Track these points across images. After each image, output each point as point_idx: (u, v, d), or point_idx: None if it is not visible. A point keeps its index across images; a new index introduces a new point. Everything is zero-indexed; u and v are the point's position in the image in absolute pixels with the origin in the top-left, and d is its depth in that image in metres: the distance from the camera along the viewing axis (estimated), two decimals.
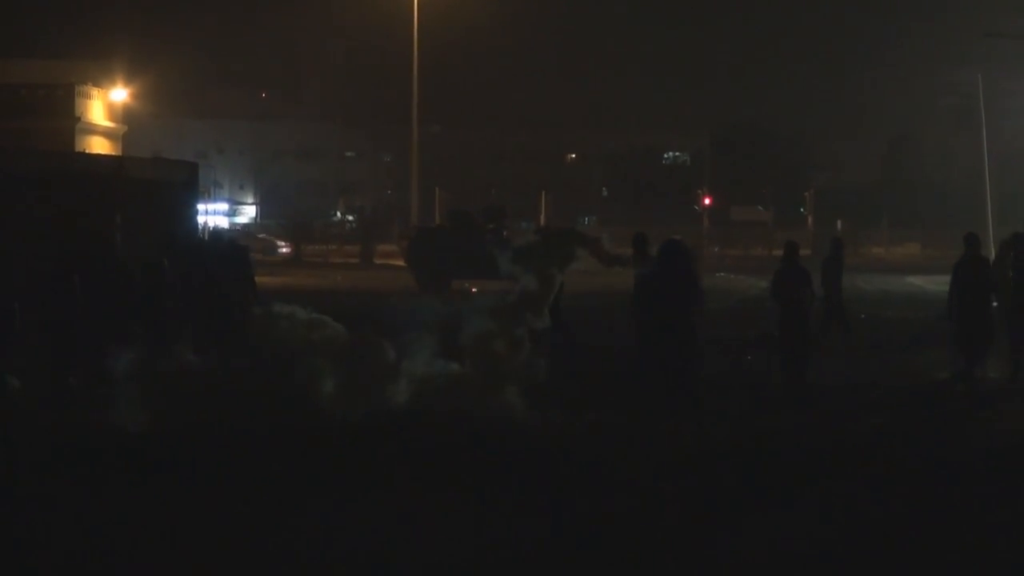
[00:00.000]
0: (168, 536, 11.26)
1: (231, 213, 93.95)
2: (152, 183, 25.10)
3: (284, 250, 69.03)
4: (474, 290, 33.87)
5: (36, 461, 14.23)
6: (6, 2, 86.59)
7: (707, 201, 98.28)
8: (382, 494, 12.82)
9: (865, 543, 11.35)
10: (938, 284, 44.25)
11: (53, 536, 11.28)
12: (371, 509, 12.20)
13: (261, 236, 70.60)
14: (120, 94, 69.10)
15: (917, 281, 48.99)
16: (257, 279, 22.55)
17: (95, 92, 65.51)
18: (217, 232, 36.87)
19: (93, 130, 64.44)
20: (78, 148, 56.70)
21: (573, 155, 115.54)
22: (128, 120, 70.73)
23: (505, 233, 46.25)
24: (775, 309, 19.28)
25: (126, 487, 13.00)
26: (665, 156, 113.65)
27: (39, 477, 13.57)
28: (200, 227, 34.08)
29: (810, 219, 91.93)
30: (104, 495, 12.68)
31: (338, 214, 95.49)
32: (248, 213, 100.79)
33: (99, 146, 62.45)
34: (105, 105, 67.03)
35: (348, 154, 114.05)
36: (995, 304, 19.89)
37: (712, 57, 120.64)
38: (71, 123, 61.40)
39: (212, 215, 79.97)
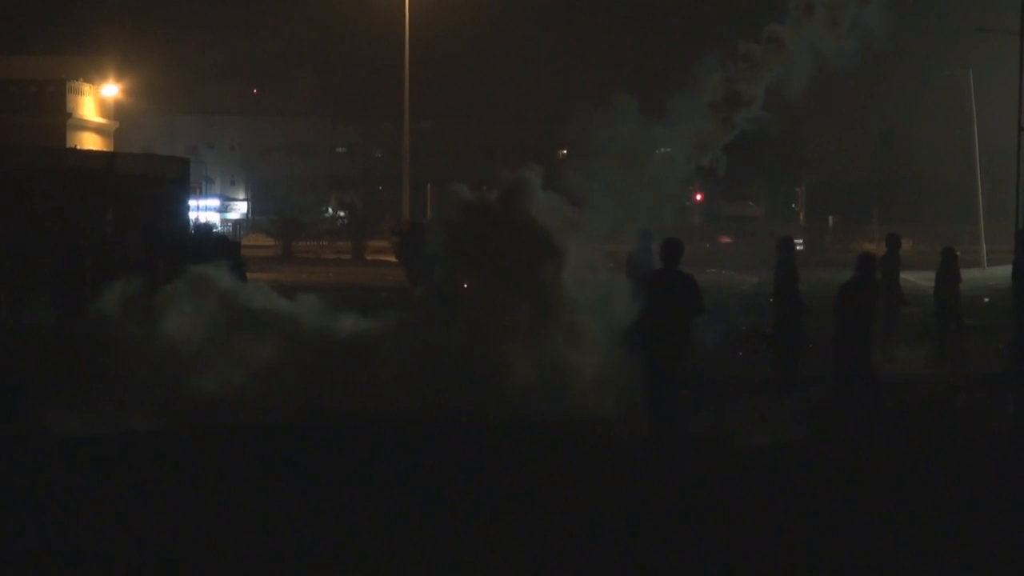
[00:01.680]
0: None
1: (222, 209, 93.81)
2: (143, 179, 25.06)
3: None
4: (465, 286, 33.75)
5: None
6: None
7: (698, 197, 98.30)
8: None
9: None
10: (929, 280, 44.15)
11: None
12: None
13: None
14: (111, 90, 68.89)
15: (908, 276, 48.79)
16: (248, 275, 22.48)
17: (86, 88, 65.30)
18: (201, 226, 36.76)
19: (85, 126, 64.25)
20: (69, 144, 56.54)
21: (564, 151, 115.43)
22: (119, 116, 70.55)
23: None
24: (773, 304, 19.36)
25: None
26: (657, 152, 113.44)
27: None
28: (191, 223, 33.97)
29: (801, 215, 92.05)
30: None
31: (330, 210, 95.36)
32: (240, 209, 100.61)
33: (91, 142, 62.28)
34: (96, 101, 66.84)
35: (339, 150, 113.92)
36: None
37: (701, 51, 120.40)
38: (62, 119, 61.18)
39: (204, 211, 79.94)
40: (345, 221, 78.25)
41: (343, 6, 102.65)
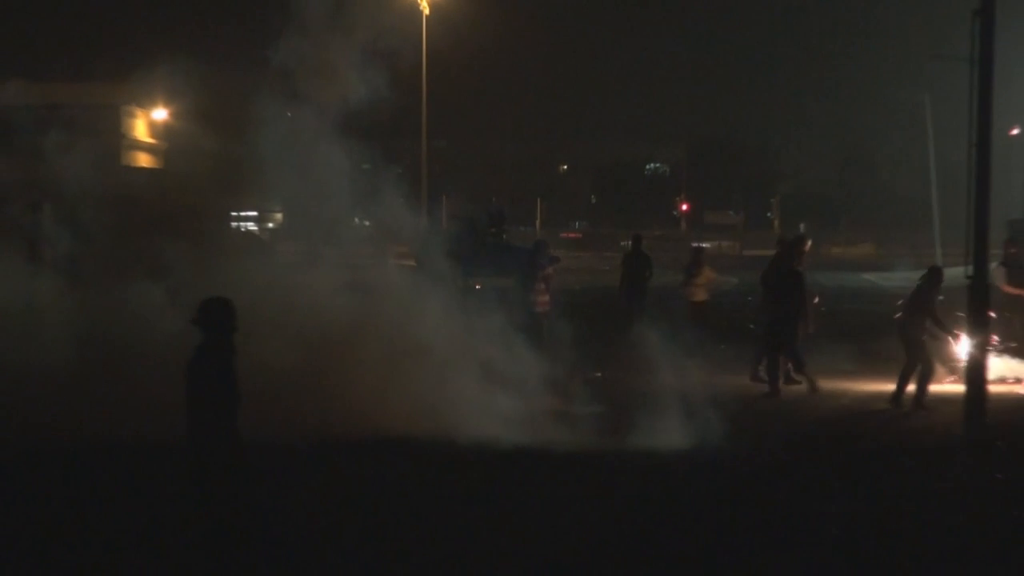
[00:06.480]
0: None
1: (261, 220, 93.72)
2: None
3: None
4: (478, 287, 33.81)
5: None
6: (60, 33, 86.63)
7: (684, 207, 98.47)
8: None
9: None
10: (890, 280, 44.15)
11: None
12: None
13: None
14: (161, 114, 68.98)
15: (871, 277, 48.91)
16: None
17: (139, 112, 65.44)
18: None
19: (138, 146, 64.41)
20: (124, 163, 56.65)
21: (565, 166, 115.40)
22: (168, 137, 70.61)
23: (504, 236, 46.25)
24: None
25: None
26: (647, 167, 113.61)
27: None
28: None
29: (776, 222, 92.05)
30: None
31: (356, 219, 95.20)
32: (276, 219, 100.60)
33: (143, 161, 62.44)
34: (147, 124, 67.00)
35: (364, 166, 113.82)
36: None
37: (687, 78, 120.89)
38: (117, 140, 61.32)
39: (244, 220, 79.86)
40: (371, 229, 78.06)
41: (364, 36, 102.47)
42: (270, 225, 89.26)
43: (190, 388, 8.47)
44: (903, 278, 44.72)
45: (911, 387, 16.51)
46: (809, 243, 19.74)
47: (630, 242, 25.81)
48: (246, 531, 8.67)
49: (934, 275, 16.85)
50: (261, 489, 9.90)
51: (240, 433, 8.54)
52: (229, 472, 8.50)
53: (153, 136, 67.53)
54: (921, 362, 16.46)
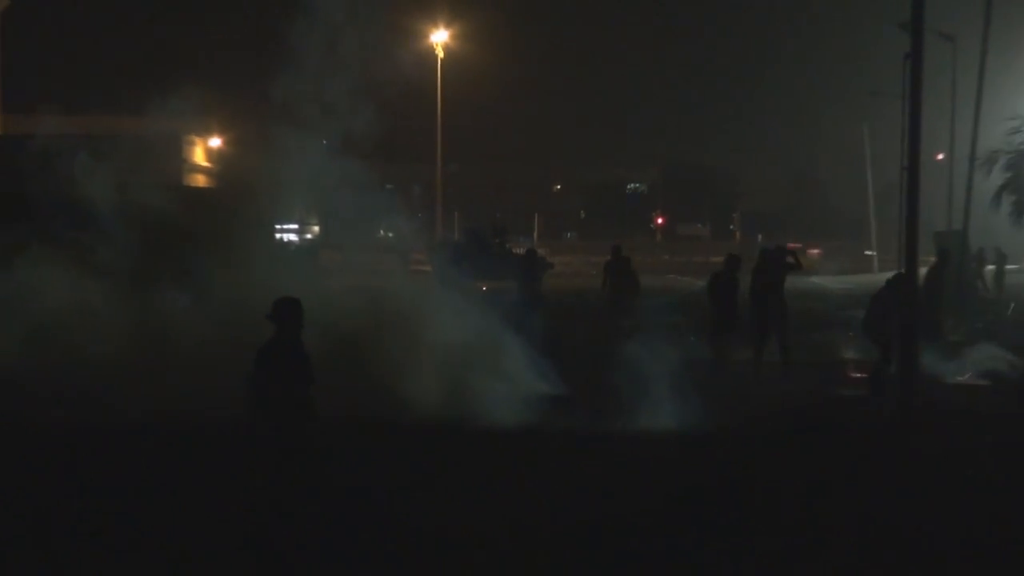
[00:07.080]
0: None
1: (300, 231, 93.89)
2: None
3: None
4: (484, 288, 33.96)
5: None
6: (134, 74, 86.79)
7: (660, 221, 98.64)
8: None
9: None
10: (837, 283, 44.19)
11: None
12: None
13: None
14: (215, 141, 69.17)
15: (818, 280, 48.91)
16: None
17: (196, 140, 65.70)
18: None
19: (196, 169, 64.61)
20: (185, 183, 56.81)
21: (559, 186, 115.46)
22: (222, 161, 70.71)
23: (508, 246, 46.52)
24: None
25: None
26: (628, 186, 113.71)
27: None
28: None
29: (737, 234, 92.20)
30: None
31: (381, 232, 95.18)
32: (314, 231, 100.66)
33: (201, 182, 62.63)
34: (204, 150, 67.20)
35: (388, 186, 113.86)
36: None
37: (662, 111, 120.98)
38: (179, 164, 61.50)
39: (286, 232, 79.94)
40: (393, 240, 78.13)
41: (386, 76, 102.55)
42: (308, 236, 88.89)
43: (259, 370, 8.53)
44: (844, 281, 44.88)
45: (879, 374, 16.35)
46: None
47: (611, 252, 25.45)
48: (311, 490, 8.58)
49: (900, 281, 16.52)
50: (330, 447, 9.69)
51: (312, 404, 8.51)
52: (294, 435, 8.48)
53: (208, 160, 67.73)
54: (887, 355, 16.16)
